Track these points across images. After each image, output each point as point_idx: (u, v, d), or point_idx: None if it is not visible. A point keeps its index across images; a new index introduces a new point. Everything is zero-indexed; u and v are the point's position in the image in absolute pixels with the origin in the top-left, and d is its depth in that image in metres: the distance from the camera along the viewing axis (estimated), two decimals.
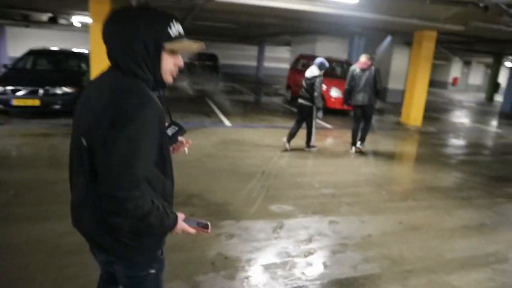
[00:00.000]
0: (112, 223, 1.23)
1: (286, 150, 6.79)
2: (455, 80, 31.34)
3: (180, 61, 1.37)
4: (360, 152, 7.09)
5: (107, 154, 1.17)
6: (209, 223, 1.46)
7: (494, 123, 13.54)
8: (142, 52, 1.26)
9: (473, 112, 16.44)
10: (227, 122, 9.05)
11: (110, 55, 1.32)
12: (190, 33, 18.72)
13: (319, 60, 6.61)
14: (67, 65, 9.66)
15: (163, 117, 1.30)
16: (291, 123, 8.60)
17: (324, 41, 16.31)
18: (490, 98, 24.24)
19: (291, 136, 6.82)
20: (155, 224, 1.26)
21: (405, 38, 15.55)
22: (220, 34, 22.86)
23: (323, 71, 6.57)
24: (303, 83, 6.64)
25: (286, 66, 23.38)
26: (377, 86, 6.68)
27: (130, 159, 1.16)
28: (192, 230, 1.43)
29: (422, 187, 5.51)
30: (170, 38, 1.28)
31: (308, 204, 4.47)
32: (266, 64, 28.35)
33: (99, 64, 8.31)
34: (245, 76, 26.23)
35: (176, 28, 1.30)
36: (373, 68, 6.77)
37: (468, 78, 33.76)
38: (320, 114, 6.67)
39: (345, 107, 9.08)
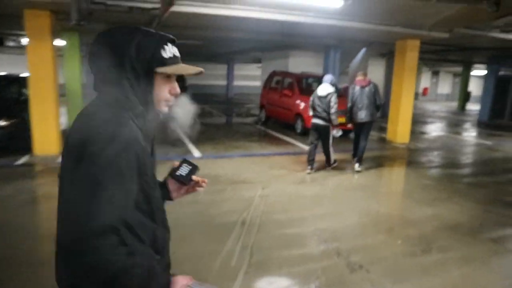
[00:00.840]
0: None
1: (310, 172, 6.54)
2: (425, 90, 31.46)
3: (176, 88, 1.21)
4: (358, 171, 6.74)
5: (67, 194, 1.02)
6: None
7: (477, 134, 12.91)
8: (131, 78, 1.11)
9: (452, 123, 15.90)
10: (196, 153, 7.79)
11: (94, 82, 1.15)
12: None
13: (329, 76, 6.61)
14: (3, 93, 8.19)
15: (144, 152, 1.10)
16: (270, 149, 7.48)
17: (297, 56, 15.45)
18: (462, 107, 24.18)
19: (313, 161, 6.56)
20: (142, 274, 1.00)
21: (380, 49, 14.95)
22: (187, 53, 21.83)
23: (335, 88, 6.44)
24: (317, 102, 6.39)
25: (257, 84, 22.48)
26: (377, 101, 6.64)
27: (91, 198, 0.95)
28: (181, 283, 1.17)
29: (440, 227, 4.43)
30: (163, 62, 1.14)
31: (308, 272, 3.27)
32: (237, 83, 27.37)
33: (39, 90, 6.96)
34: (215, 96, 25.08)
35: (170, 51, 1.17)
36: (372, 84, 6.73)
37: (437, 87, 34.07)
38: (338, 132, 6.61)
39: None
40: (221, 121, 13.75)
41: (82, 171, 0.97)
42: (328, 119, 6.31)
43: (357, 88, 6.69)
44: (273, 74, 12.75)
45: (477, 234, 4.30)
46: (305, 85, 11.77)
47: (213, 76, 28.59)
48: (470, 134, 12.86)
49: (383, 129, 11.16)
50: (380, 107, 6.77)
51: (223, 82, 28.11)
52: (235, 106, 19.53)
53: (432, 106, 24.71)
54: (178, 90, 1.21)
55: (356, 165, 6.78)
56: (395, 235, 4.17)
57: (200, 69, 1.23)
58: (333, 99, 6.19)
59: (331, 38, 11.54)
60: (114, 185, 0.98)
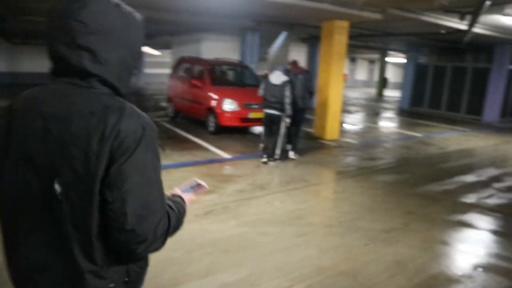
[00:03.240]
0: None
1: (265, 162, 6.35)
2: (344, 76, 31.48)
3: None
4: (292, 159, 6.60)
5: (118, 194, 0.94)
6: (199, 182, 1.38)
7: (404, 124, 12.25)
8: (130, 60, 1.07)
9: (376, 112, 15.29)
10: None
11: (87, 62, 1.00)
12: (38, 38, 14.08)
13: (282, 64, 6.77)
14: None
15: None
16: (172, 158, 5.71)
17: (210, 40, 13.51)
18: (380, 94, 24.33)
19: (266, 150, 6.37)
20: (177, 224, 1.13)
21: (302, 33, 13.65)
22: None
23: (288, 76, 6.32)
24: (270, 91, 6.17)
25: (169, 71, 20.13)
26: (310, 88, 6.87)
27: (155, 192, 1.02)
28: (194, 199, 1.34)
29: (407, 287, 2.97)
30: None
31: None
32: (148, 70, 24.58)
33: None
34: None
35: None
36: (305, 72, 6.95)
37: (354, 74, 34.50)
38: (288, 120, 6.32)
39: (244, 123, 8.48)
40: None
41: (134, 164, 0.98)
42: (282, 109, 6.13)
43: (292, 76, 6.52)
44: (181, 60, 10.67)
45: None
46: (219, 73, 9.92)
47: None
48: (397, 124, 12.14)
49: (308, 121, 9.79)
50: (313, 94, 7.02)
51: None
52: (144, 97, 16.98)
53: (352, 93, 24.48)
54: None
55: (291, 154, 6.75)
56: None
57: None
58: (288, 88, 6.07)
59: (248, 19, 9.81)
60: (159, 168, 1.06)
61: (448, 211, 4.64)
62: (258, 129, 9.38)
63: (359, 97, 21.89)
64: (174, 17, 9.37)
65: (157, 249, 1.05)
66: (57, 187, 0.96)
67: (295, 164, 6.44)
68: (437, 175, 6.26)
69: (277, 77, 6.17)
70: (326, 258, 3.39)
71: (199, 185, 1.37)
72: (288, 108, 6.13)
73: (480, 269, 3.32)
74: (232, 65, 10.25)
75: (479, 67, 14.19)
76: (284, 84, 6.09)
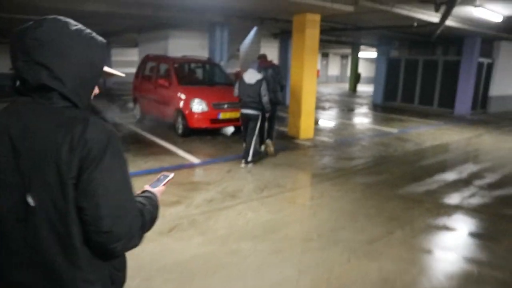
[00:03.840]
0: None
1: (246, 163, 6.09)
2: (317, 72, 31.43)
3: (97, 89, 1.20)
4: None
5: (92, 199, 1.01)
6: (165, 173, 1.45)
7: (378, 119, 12.08)
8: (89, 77, 1.12)
9: (349, 107, 15.11)
10: None
11: (44, 77, 1.04)
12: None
13: (255, 62, 6.36)
14: None
15: None
16: (137, 164, 5.25)
17: (178, 37, 12.93)
18: (353, 89, 24.31)
19: (247, 153, 6.09)
20: (152, 217, 1.20)
21: (273, 29, 13.27)
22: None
23: (262, 74, 6.21)
24: (245, 90, 6.00)
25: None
26: (280, 82, 6.83)
27: (125, 193, 1.10)
28: (164, 188, 1.40)
29: None
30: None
31: None
32: (116, 70, 23.57)
33: None
34: None
35: None
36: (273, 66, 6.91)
37: (327, 69, 34.51)
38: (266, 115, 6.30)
39: (214, 125, 7.98)
40: None
41: (103, 171, 1.04)
42: (258, 108, 5.98)
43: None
44: (146, 59, 10.05)
45: None
46: (186, 72, 9.40)
47: None
48: (372, 120, 11.96)
49: (281, 120, 9.43)
50: (284, 87, 7.02)
51: None
52: (113, 98, 16.20)
53: (325, 89, 24.38)
54: (98, 90, 1.20)
55: (268, 141, 6.82)
56: None
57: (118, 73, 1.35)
58: (264, 86, 5.89)
59: (216, 13, 9.34)
60: (127, 171, 1.15)
61: (433, 214, 4.36)
62: (230, 129, 8.95)
63: (332, 93, 21.76)
64: (137, 11, 8.79)
65: (135, 245, 1.11)
66: (30, 200, 1.01)
67: (268, 168, 6.05)
68: (417, 174, 6.01)
69: (251, 76, 5.96)
70: (306, 279, 3.00)
71: (165, 176, 1.43)
72: (268, 107, 6.01)
73: (472, 282, 3.02)
74: (200, 62, 9.74)
75: (450, 60, 14.22)
76: (258, 83, 5.89)
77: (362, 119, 12.27)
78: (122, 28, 14.17)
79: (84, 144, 0.99)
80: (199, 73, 9.85)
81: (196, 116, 7.75)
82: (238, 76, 6.91)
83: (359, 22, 10.79)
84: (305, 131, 8.43)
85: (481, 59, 13.62)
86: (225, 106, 8.00)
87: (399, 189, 5.26)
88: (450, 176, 5.98)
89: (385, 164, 6.56)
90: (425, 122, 11.46)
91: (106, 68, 1.19)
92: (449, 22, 9.15)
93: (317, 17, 7.88)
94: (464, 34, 12.16)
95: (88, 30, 1.12)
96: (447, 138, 9.03)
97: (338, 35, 14.96)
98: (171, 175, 1.44)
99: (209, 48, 11.29)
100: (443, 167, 6.45)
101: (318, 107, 13.96)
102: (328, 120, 11.47)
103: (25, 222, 1.02)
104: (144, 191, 1.31)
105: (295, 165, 6.30)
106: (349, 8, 7.41)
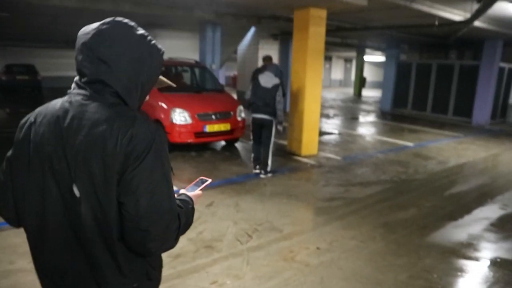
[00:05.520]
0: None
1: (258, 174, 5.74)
2: None
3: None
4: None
5: (132, 196, 1.02)
6: (203, 178, 1.44)
7: (389, 130, 10.78)
8: (144, 81, 1.14)
9: (356, 115, 13.83)
10: None
11: (102, 72, 1.09)
12: None
13: (275, 65, 6.02)
14: None
15: None
16: None
17: (167, 38, 11.73)
18: (358, 94, 23.06)
19: (258, 161, 5.80)
20: (187, 222, 1.19)
21: (272, 29, 12.03)
22: (36, 38, 16.67)
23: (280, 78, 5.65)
24: (260, 94, 5.51)
25: None
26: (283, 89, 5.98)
27: (166, 193, 1.07)
28: (201, 193, 1.38)
29: None
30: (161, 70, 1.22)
31: None
32: None
33: None
34: None
35: None
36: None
37: (330, 73, 33.27)
38: (280, 127, 5.71)
39: (199, 139, 6.77)
40: None
41: (147, 165, 1.05)
42: (272, 114, 5.56)
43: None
44: None
45: None
46: (170, 77, 8.14)
47: (73, 66, 23.03)
48: (382, 130, 10.66)
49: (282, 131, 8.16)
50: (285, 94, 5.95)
51: None
52: None
53: (328, 93, 23.07)
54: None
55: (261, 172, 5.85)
56: None
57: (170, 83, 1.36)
58: (280, 92, 5.54)
59: (205, 10, 8.10)
60: (169, 169, 1.14)
61: (487, 280, 3.07)
62: (221, 143, 7.71)
63: (337, 98, 20.48)
64: (112, 7, 7.56)
65: (171, 247, 1.13)
66: (76, 191, 1.04)
67: (262, 199, 4.77)
68: (450, 208, 4.71)
69: (268, 80, 5.54)
70: None
71: (203, 180, 1.42)
72: (281, 115, 5.57)
73: None
74: (186, 66, 8.46)
75: (467, 64, 12.92)
76: (275, 87, 5.49)
77: (371, 129, 10.97)
78: None
79: (129, 140, 1.01)
80: (186, 77, 8.58)
81: (177, 129, 6.49)
82: (235, 80, 5.84)
83: (369, 22, 9.54)
84: (308, 146, 7.15)
85: (502, 64, 12.33)
86: (213, 117, 6.75)
87: (431, 233, 3.97)
88: (493, 211, 4.68)
89: (408, 193, 5.26)
90: (442, 134, 10.17)
91: (161, 77, 1.22)
92: (476, 22, 7.87)
93: (323, 13, 6.62)
94: (486, 36, 10.87)
95: (151, 37, 1.15)
96: (473, 155, 7.74)
97: (345, 36, 13.70)
98: (209, 180, 1.42)
99: (200, 50, 10.05)
100: (480, 197, 5.16)
101: (322, 114, 12.69)
102: (333, 130, 10.18)
103: (71, 210, 1.06)
104: (180, 195, 1.29)
105: (295, 195, 5.01)
106: (363, 2, 6.16)
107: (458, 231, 4.07)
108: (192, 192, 1.34)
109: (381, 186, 5.49)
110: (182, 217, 1.12)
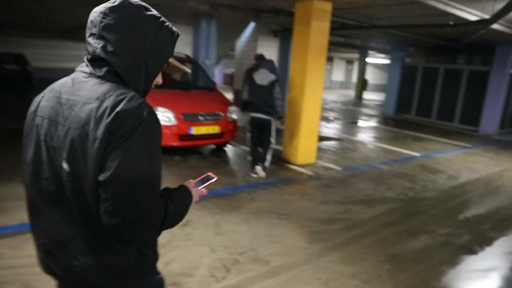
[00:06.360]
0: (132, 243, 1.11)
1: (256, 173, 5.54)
2: None
3: (160, 78, 1.20)
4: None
5: (116, 172, 0.96)
6: (210, 174, 1.38)
7: (392, 137, 10.10)
8: (150, 63, 1.11)
9: (355, 119, 13.15)
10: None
11: (99, 49, 1.07)
12: None
13: (269, 60, 5.67)
14: None
15: None
16: None
17: None
18: (359, 97, 22.42)
19: (258, 159, 5.57)
20: (177, 215, 1.13)
21: (271, 25, 11.34)
22: (26, 26, 15.98)
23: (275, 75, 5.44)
24: (256, 92, 5.32)
25: None
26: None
27: (148, 179, 1.01)
28: (205, 191, 1.32)
29: None
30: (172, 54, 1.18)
31: None
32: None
33: None
34: None
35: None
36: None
37: (331, 74, 32.63)
38: (280, 123, 5.63)
39: (184, 143, 6.11)
40: None
41: (131, 145, 1.01)
42: (271, 112, 5.35)
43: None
44: None
45: None
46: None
47: (71, 57, 22.26)
48: (385, 137, 9.98)
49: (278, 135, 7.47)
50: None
51: (79, 64, 22.09)
52: None
53: (328, 95, 22.39)
54: (161, 80, 1.19)
55: (258, 168, 5.61)
56: None
57: (186, 68, 1.31)
58: (277, 89, 5.30)
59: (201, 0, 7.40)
60: (158, 152, 1.09)
61: None
62: (210, 147, 7.03)
63: (337, 100, 19.81)
64: None
65: (149, 238, 1.12)
66: (65, 165, 1.03)
67: (247, 219, 4.08)
68: (467, 237, 4.03)
69: (263, 77, 5.35)
70: None
71: (209, 177, 1.36)
72: (281, 112, 5.43)
73: None
74: (180, 60, 7.74)
75: (476, 70, 12.24)
76: (272, 84, 5.30)
77: (373, 135, 10.29)
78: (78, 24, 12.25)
79: (115, 118, 0.97)
80: (173, 74, 7.88)
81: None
82: (250, 77, 5.53)
83: (377, 20, 8.85)
84: (305, 154, 6.47)
85: None
86: (200, 118, 6.07)
87: (448, 271, 3.29)
88: None
89: (418, 216, 4.57)
90: (449, 144, 9.51)
91: (172, 60, 1.17)
92: (494, 24, 7.19)
93: (327, 6, 5.92)
94: (500, 40, 10.21)
95: (163, 19, 1.12)
96: (485, 169, 7.08)
97: (349, 35, 13.01)
98: (215, 178, 1.37)
99: (193, 44, 9.34)
100: (499, 224, 4.49)
101: (321, 117, 12.02)
102: (332, 135, 9.50)
103: (63, 183, 1.05)
104: (181, 186, 1.23)
105: (287, 214, 4.32)
106: None
107: (479, 268, 3.39)
108: (197, 187, 1.29)
109: (387, 206, 4.81)
110: (170, 209, 1.08)
